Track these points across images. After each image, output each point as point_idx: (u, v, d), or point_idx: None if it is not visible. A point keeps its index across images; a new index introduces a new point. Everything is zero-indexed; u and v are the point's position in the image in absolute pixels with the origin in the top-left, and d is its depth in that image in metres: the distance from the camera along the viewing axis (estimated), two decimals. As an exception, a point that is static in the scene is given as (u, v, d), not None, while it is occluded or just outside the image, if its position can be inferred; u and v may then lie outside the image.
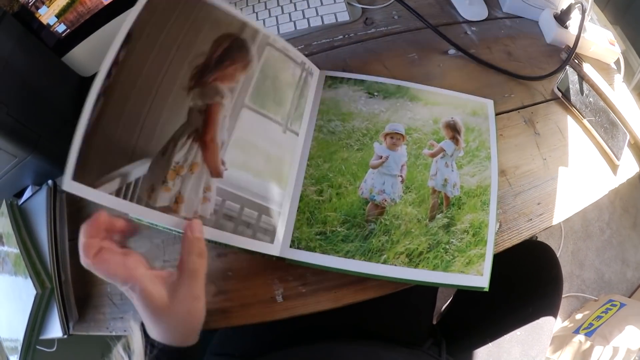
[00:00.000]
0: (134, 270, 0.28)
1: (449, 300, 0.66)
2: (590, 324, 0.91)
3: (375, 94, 0.45)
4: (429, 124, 0.43)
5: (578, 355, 0.88)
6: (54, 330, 0.44)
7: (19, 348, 0.44)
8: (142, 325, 0.30)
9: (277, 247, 0.37)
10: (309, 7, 0.53)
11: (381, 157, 0.41)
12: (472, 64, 0.49)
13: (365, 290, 0.37)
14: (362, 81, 0.46)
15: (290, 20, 0.52)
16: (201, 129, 0.37)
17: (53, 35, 0.49)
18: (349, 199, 0.39)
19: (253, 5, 0.55)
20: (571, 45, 0.50)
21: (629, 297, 1.06)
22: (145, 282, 0.28)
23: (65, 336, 0.44)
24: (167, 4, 0.37)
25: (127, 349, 0.29)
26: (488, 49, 0.50)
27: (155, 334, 0.29)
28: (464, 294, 0.62)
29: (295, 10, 0.53)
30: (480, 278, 0.35)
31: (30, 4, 0.46)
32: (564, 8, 0.51)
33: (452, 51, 0.50)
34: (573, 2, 0.50)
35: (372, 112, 0.44)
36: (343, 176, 0.40)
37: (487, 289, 0.34)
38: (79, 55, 0.51)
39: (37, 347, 0.47)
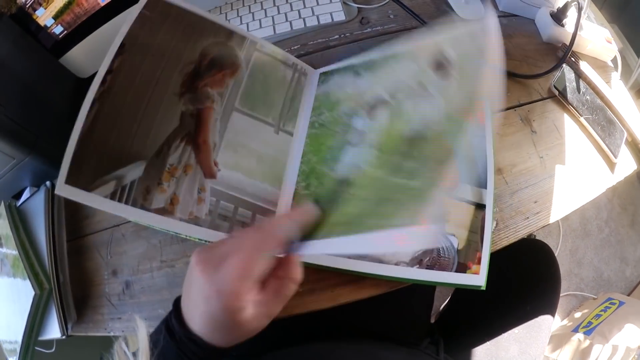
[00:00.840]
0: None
1: (447, 300, 0.66)
2: (589, 323, 0.91)
3: (362, 72, 0.43)
4: (414, 74, 0.36)
5: (577, 353, 0.88)
6: (53, 331, 0.44)
7: (18, 349, 0.44)
8: (168, 316, 0.29)
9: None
10: (305, 7, 0.53)
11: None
12: (468, 62, 0.49)
13: (362, 289, 0.37)
14: (351, 65, 0.44)
15: (287, 20, 0.52)
16: (194, 131, 0.38)
17: (50, 36, 0.49)
18: (328, 186, 0.38)
19: (249, 6, 0.55)
20: (567, 43, 0.50)
21: (628, 295, 1.06)
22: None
23: (64, 337, 0.44)
24: (158, 16, 0.39)
25: (128, 345, 0.28)
26: (484, 48, 0.51)
27: (205, 331, 0.27)
28: (462, 293, 0.62)
29: (291, 10, 0.53)
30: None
31: (27, 6, 0.46)
32: (560, 6, 0.51)
33: (448, 50, 0.50)
34: (569, 0, 0.50)
35: (358, 92, 0.41)
36: (327, 164, 0.39)
37: (484, 288, 0.35)
38: (76, 56, 0.51)
39: (36, 348, 0.47)
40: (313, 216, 0.30)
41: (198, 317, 0.27)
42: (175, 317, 0.28)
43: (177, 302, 0.29)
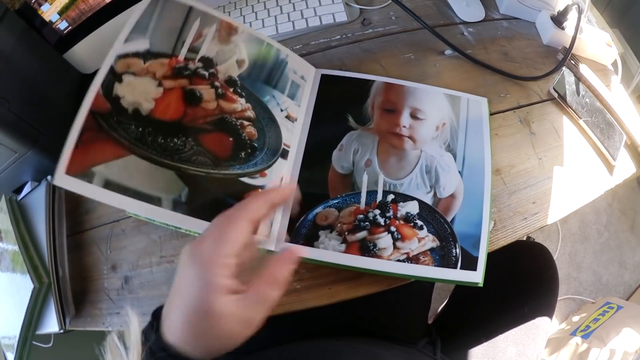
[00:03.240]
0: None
1: (445, 301, 0.66)
2: (587, 326, 0.91)
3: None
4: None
5: (575, 357, 0.87)
6: (51, 325, 0.44)
7: (15, 345, 0.44)
8: (155, 315, 0.27)
9: (273, 241, 0.37)
10: (307, 7, 0.53)
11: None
12: (468, 64, 0.49)
13: (359, 287, 0.37)
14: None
15: (289, 20, 0.53)
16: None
17: (55, 32, 0.49)
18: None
19: (252, 5, 0.56)
20: (568, 47, 0.50)
21: (627, 299, 1.06)
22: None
23: (62, 331, 0.44)
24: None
25: (122, 339, 0.27)
26: (484, 50, 0.51)
27: (180, 335, 0.24)
28: (460, 294, 0.62)
29: (294, 10, 0.53)
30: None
31: (33, 1, 0.46)
32: (561, 9, 0.51)
33: (448, 51, 0.50)
34: (570, 3, 0.50)
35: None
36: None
37: (481, 285, 0.35)
38: (80, 52, 0.51)
39: (34, 342, 0.47)
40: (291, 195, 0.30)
41: (175, 312, 0.24)
42: (151, 326, 0.26)
43: (156, 312, 0.27)
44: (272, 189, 0.31)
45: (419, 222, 0.38)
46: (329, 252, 0.36)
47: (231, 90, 0.38)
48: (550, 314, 0.55)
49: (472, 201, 0.39)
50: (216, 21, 0.40)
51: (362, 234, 0.37)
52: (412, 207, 0.39)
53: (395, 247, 0.37)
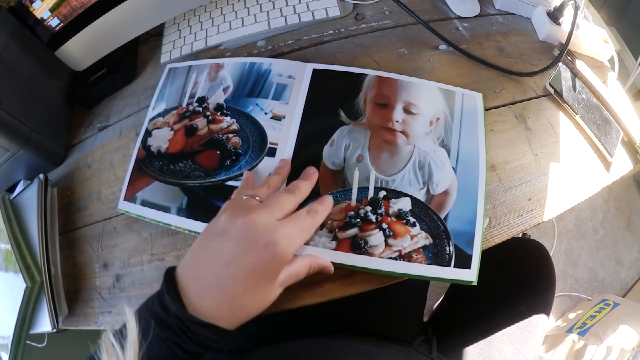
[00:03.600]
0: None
1: (441, 298, 0.66)
2: (584, 324, 0.91)
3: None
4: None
5: (571, 354, 0.88)
6: (44, 324, 0.44)
7: (9, 345, 0.44)
8: (157, 296, 0.27)
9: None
10: (299, 2, 0.53)
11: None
12: (462, 59, 0.49)
13: (352, 285, 0.37)
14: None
15: (281, 15, 0.52)
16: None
17: (46, 29, 0.49)
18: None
19: (244, 1, 0.55)
20: (564, 42, 0.50)
21: (623, 296, 1.06)
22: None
23: (55, 330, 0.44)
24: None
25: (117, 335, 0.26)
26: (479, 45, 0.50)
27: (217, 305, 0.26)
28: (456, 292, 0.62)
29: (286, 5, 0.53)
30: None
31: (24, -2, 0.46)
32: (557, 5, 0.51)
33: (442, 46, 0.50)
34: (566, -1, 0.50)
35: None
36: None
37: (475, 283, 0.34)
38: (72, 49, 0.51)
39: (28, 342, 0.46)
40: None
41: (228, 276, 0.26)
42: (171, 296, 0.25)
43: (171, 278, 0.27)
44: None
45: (412, 219, 0.37)
46: (319, 249, 0.36)
47: (218, 114, 0.47)
48: (547, 312, 0.55)
49: (466, 198, 0.38)
50: (207, 67, 0.50)
51: (353, 230, 0.37)
52: (405, 204, 0.38)
53: (387, 244, 0.36)
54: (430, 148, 0.41)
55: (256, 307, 0.28)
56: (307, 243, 0.36)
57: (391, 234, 0.37)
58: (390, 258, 0.35)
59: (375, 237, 0.36)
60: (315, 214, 0.33)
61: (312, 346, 0.38)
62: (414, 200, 0.38)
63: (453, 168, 0.40)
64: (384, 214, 0.38)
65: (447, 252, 0.36)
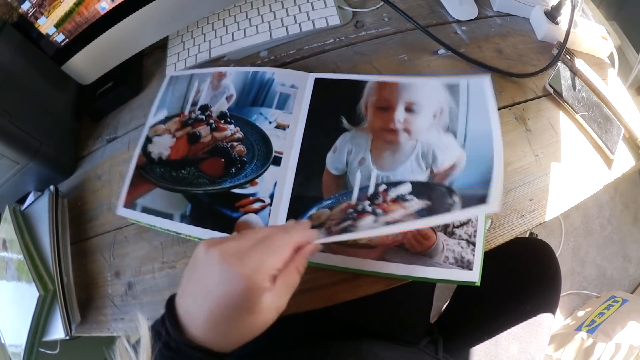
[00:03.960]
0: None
1: (448, 300, 0.66)
2: (593, 321, 0.91)
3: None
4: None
5: (580, 352, 0.87)
6: (57, 332, 0.45)
7: (22, 353, 0.45)
8: (161, 320, 0.28)
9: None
10: (300, 11, 0.54)
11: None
12: (461, 63, 0.49)
13: (357, 288, 0.37)
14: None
15: (282, 25, 0.53)
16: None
17: (52, 44, 0.50)
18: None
19: (246, 12, 0.56)
20: (562, 41, 0.50)
21: (632, 293, 1.05)
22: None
23: (68, 337, 0.45)
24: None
25: (131, 342, 0.28)
26: (478, 48, 0.51)
27: (208, 330, 0.27)
28: (461, 292, 0.62)
29: (287, 15, 0.54)
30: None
31: (29, 15, 0.47)
32: (554, 4, 0.51)
33: (442, 51, 0.50)
34: (563, -2, 0.50)
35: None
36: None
37: (478, 284, 0.35)
38: (78, 63, 0.52)
39: (41, 349, 0.47)
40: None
41: (205, 310, 0.26)
42: (170, 321, 0.27)
43: (171, 304, 0.29)
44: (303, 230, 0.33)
45: (408, 197, 0.37)
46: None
47: (222, 122, 0.47)
48: (552, 311, 0.55)
49: (477, 164, 0.36)
50: (209, 75, 0.51)
51: (347, 222, 0.37)
52: (404, 189, 0.38)
53: (376, 220, 0.36)
54: (435, 137, 0.40)
55: (247, 333, 0.27)
56: None
57: (381, 212, 0.36)
58: (374, 226, 0.35)
59: (365, 220, 0.36)
60: (286, 231, 0.30)
61: (318, 349, 0.39)
62: (414, 183, 0.38)
63: (461, 146, 0.38)
64: (381, 202, 0.38)
65: (449, 202, 0.34)
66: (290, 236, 0.29)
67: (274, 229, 0.30)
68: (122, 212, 0.44)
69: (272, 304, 0.27)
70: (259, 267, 0.26)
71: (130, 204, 0.44)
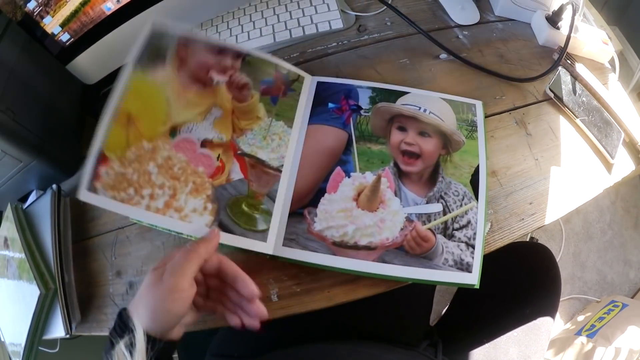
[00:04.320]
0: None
1: (448, 304, 0.66)
2: (593, 326, 0.91)
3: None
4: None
5: (580, 357, 0.87)
6: (57, 330, 0.45)
7: (21, 352, 0.45)
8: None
9: (271, 245, 0.38)
10: (304, 15, 0.54)
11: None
12: (463, 67, 0.50)
13: (357, 290, 0.38)
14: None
15: (286, 28, 0.54)
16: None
17: (57, 44, 0.50)
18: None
19: (250, 15, 0.57)
20: (563, 46, 0.50)
21: (632, 297, 1.05)
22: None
23: (68, 336, 0.45)
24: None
25: (129, 346, 0.29)
26: (480, 52, 0.51)
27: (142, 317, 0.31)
28: (461, 296, 0.62)
29: (291, 18, 0.54)
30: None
31: (35, 14, 0.47)
32: (556, 9, 0.52)
33: (443, 55, 0.51)
34: (564, 2, 0.51)
35: None
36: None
37: (477, 286, 0.35)
38: (83, 63, 0.53)
39: (40, 348, 0.47)
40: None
41: (144, 312, 0.31)
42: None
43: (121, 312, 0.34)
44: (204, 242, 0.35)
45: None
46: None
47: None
48: (552, 315, 0.55)
49: None
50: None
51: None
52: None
53: None
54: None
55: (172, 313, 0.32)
56: None
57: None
58: None
59: None
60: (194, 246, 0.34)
61: (315, 352, 0.39)
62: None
63: None
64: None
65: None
66: (193, 259, 0.33)
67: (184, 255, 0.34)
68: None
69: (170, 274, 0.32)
70: (172, 286, 0.31)
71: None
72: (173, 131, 0.39)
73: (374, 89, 0.46)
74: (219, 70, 0.42)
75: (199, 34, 0.47)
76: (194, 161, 0.39)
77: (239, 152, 0.41)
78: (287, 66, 0.46)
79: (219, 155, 0.40)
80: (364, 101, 0.45)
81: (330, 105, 0.45)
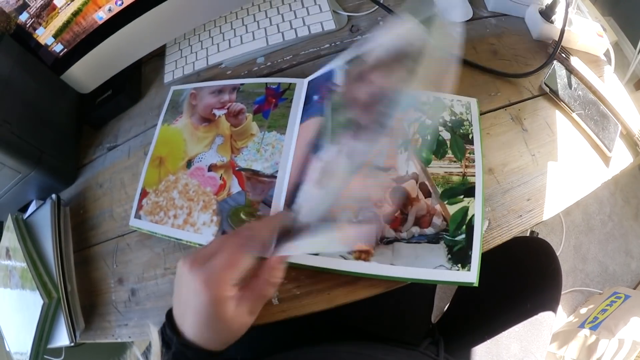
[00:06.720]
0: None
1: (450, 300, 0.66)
2: (595, 318, 0.91)
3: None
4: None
5: (584, 349, 0.87)
6: (61, 338, 0.45)
7: (27, 360, 0.46)
8: (162, 327, 0.31)
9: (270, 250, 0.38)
10: (296, 17, 0.54)
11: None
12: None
13: (357, 291, 0.38)
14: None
15: (279, 31, 0.53)
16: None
17: (51, 54, 0.50)
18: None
19: (242, 18, 0.56)
20: (557, 40, 0.50)
21: (634, 288, 1.05)
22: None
23: (72, 344, 0.45)
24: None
25: (142, 352, 0.30)
26: (473, 49, 0.51)
27: (197, 334, 0.29)
28: (462, 293, 0.62)
29: (283, 21, 0.54)
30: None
31: (27, 26, 0.48)
32: (549, 3, 0.51)
33: (437, 53, 0.51)
34: (557, -4, 0.50)
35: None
36: None
37: (476, 284, 0.35)
38: (77, 73, 0.53)
39: (46, 356, 0.48)
40: (290, 220, 0.34)
41: (189, 317, 0.29)
42: (168, 327, 0.30)
43: (169, 313, 0.31)
44: (273, 217, 0.35)
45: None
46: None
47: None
48: (554, 309, 0.55)
49: None
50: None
51: None
52: None
53: None
54: None
55: (229, 335, 0.30)
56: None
57: None
58: None
59: None
60: (241, 232, 0.31)
61: (317, 353, 0.39)
62: None
63: None
64: None
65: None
66: (244, 237, 0.31)
67: (229, 238, 0.31)
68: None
69: (240, 310, 0.29)
70: (216, 278, 0.28)
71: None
72: (189, 163, 0.48)
73: (349, 61, 0.43)
74: (219, 106, 0.50)
75: (204, 83, 0.53)
76: (204, 183, 0.46)
77: (237, 168, 0.46)
78: (277, 80, 0.48)
79: (221, 174, 0.46)
80: (340, 78, 0.43)
81: (314, 97, 0.45)
